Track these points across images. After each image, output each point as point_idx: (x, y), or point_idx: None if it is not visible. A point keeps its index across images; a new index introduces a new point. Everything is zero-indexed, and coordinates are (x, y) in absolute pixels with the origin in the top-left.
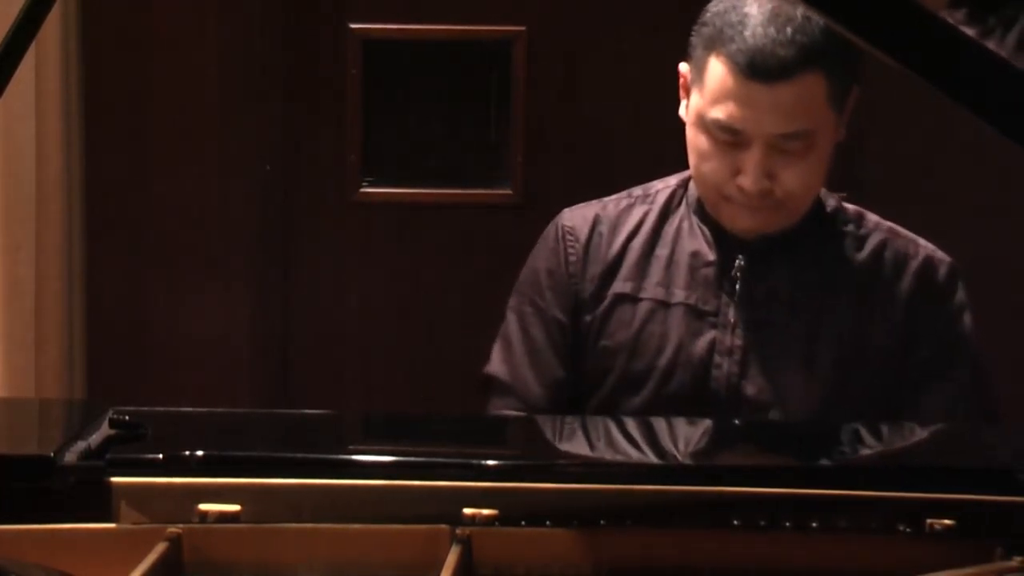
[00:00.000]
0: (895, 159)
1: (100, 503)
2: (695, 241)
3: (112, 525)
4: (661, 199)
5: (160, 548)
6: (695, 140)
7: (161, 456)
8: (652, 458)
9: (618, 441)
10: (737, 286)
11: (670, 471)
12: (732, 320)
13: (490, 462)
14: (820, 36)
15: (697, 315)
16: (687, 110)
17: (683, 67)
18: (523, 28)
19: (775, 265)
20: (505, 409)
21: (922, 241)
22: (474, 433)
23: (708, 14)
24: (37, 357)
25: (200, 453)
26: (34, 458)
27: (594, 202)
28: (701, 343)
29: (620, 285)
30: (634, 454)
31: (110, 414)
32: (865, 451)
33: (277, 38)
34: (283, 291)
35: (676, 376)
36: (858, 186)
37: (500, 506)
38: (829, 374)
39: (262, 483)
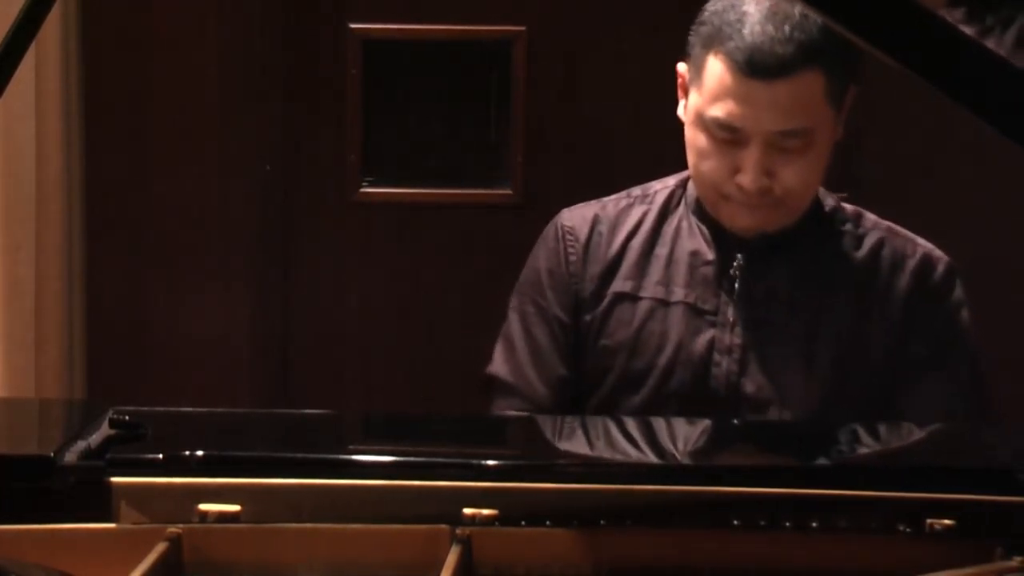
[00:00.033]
0: (894, 159)
1: (100, 503)
2: (694, 240)
3: (112, 525)
4: (660, 199)
5: (160, 548)
6: (694, 139)
7: (161, 456)
8: (652, 458)
9: (618, 441)
10: (736, 285)
11: (670, 471)
12: (731, 319)
13: (490, 462)
14: (818, 34)
15: (696, 314)
16: (685, 110)
17: (681, 67)
18: (523, 28)
19: (774, 264)
20: (508, 409)
21: (920, 240)
22: (474, 433)
23: (706, 13)
24: (37, 357)
25: (200, 453)
26: (34, 458)
27: (593, 202)
28: (700, 342)
29: (620, 284)
30: (634, 454)
31: (110, 414)
32: (865, 451)
33: (277, 38)
34: (283, 291)
35: (676, 375)
36: (857, 186)
37: (500, 506)
38: (828, 372)
39: (262, 483)
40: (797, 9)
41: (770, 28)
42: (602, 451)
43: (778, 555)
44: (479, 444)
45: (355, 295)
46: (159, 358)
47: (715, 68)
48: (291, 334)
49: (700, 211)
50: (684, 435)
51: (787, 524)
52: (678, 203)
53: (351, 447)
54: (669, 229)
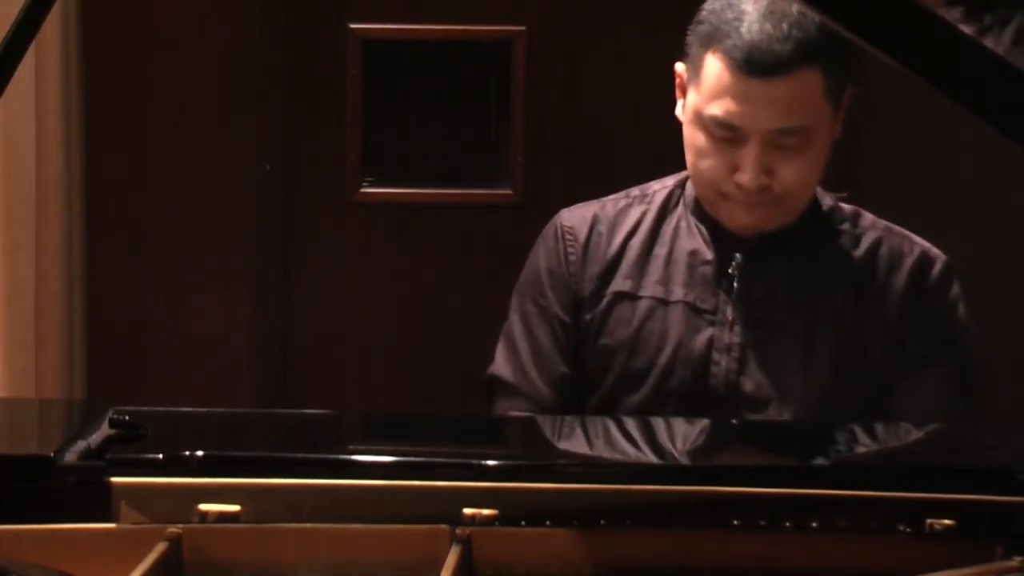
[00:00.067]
0: (894, 159)
1: (100, 503)
2: (693, 240)
3: (112, 525)
4: (659, 199)
5: (160, 548)
6: (692, 138)
7: (161, 456)
8: (652, 458)
9: (618, 441)
10: (735, 284)
11: (670, 471)
12: (730, 317)
13: (490, 462)
14: (817, 32)
15: (696, 313)
16: (684, 109)
17: (679, 67)
18: (523, 28)
19: (772, 263)
20: (511, 410)
21: (917, 238)
22: (474, 433)
23: (704, 12)
24: (37, 357)
25: (200, 453)
26: (34, 458)
27: (592, 202)
28: (700, 340)
29: (620, 283)
30: (634, 454)
31: (110, 414)
32: (865, 451)
33: (277, 38)
34: (283, 291)
35: (675, 373)
36: (857, 185)
37: (500, 506)
38: (826, 371)
39: (262, 483)
40: (795, 7)
41: (768, 26)
42: (602, 451)
43: (778, 555)
44: (479, 444)
45: (355, 295)
46: (159, 358)
47: (713, 66)
48: (291, 334)
49: (699, 211)
50: (684, 435)
51: (787, 524)
52: (677, 203)
53: (351, 447)
54: (668, 229)
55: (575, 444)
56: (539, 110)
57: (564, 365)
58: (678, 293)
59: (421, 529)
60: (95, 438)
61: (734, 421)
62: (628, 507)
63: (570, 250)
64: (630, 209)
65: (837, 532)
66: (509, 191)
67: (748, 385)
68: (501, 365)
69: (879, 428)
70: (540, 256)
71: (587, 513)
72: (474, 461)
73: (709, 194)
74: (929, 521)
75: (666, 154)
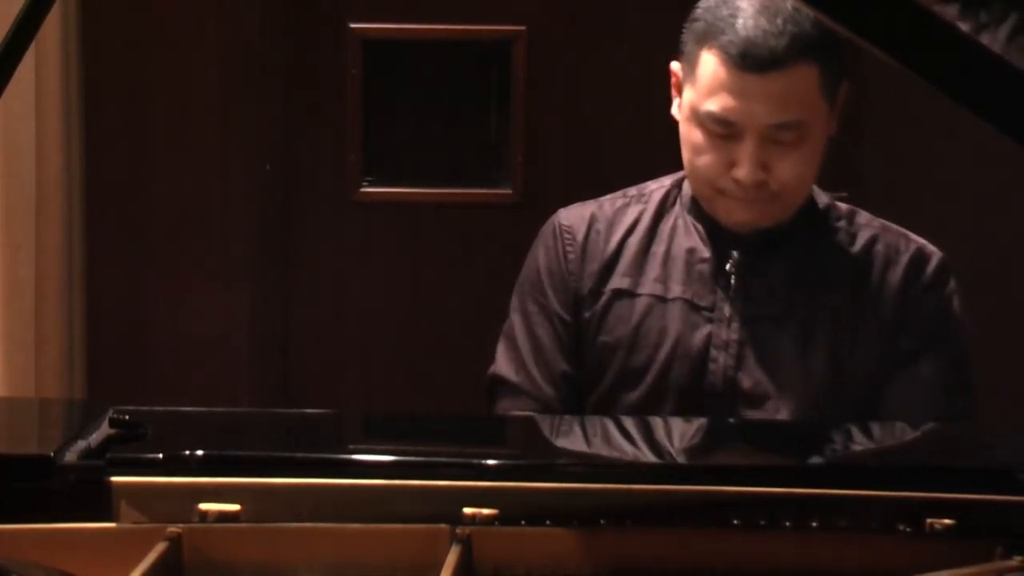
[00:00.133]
0: (894, 157)
1: (100, 503)
2: (690, 238)
3: (112, 525)
4: (656, 198)
5: (160, 548)
6: (689, 135)
7: (161, 456)
8: (652, 458)
9: (618, 441)
10: (732, 281)
11: (670, 471)
12: (728, 314)
13: (490, 462)
14: (811, 27)
15: (694, 310)
16: (679, 107)
17: (675, 65)
18: (523, 28)
19: (769, 261)
20: (513, 409)
21: (913, 236)
22: (474, 433)
23: (699, 9)
24: (37, 357)
25: (200, 453)
26: (34, 458)
27: (589, 202)
28: (698, 337)
29: (618, 280)
30: (634, 454)
31: (110, 414)
32: (865, 451)
33: (277, 38)
34: (283, 291)
35: (674, 370)
36: (856, 184)
37: (500, 506)
38: (824, 367)
39: (262, 483)
40: (789, 3)
41: (763, 21)
42: (602, 451)
43: (778, 555)
44: (479, 444)
45: (355, 295)
46: (159, 358)
47: (709, 63)
48: (291, 334)
49: (696, 209)
50: (684, 435)
51: (787, 524)
52: (674, 202)
53: (351, 447)
54: (665, 227)
55: (575, 444)
56: (539, 110)
57: (565, 363)
58: (676, 290)
59: (421, 529)
60: (95, 438)
61: (733, 420)
62: (628, 507)
63: (568, 249)
64: (627, 208)
65: (837, 532)
66: (509, 191)
67: (746, 381)
68: (502, 364)
69: (879, 428)
70: (539, 255)
71: (587, 513)
72: (474, 461)
73: (706, 191)
74: (929, 521)
75: (666, 154)
